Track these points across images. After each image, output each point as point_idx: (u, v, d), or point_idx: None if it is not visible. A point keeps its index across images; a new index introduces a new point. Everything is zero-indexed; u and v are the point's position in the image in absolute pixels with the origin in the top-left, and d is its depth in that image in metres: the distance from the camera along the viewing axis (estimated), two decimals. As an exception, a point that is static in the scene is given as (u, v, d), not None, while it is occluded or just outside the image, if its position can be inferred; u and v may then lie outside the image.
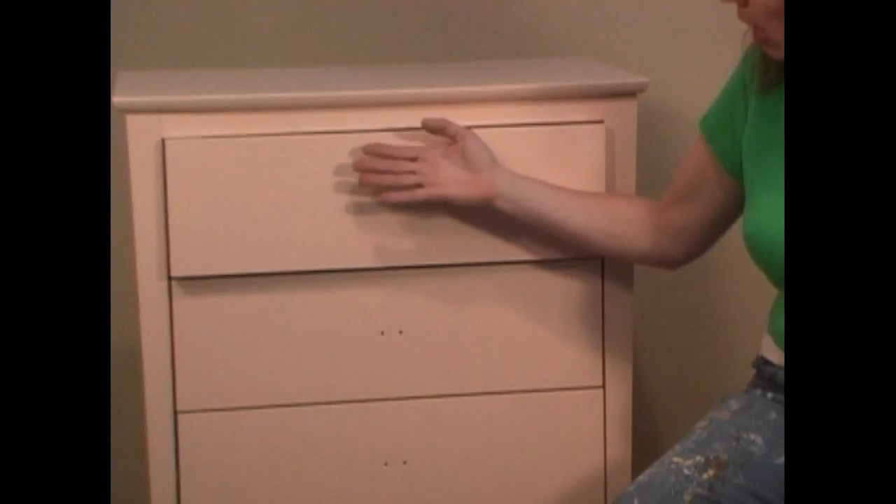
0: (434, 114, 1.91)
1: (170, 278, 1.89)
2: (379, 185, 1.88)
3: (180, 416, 1.93)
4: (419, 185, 1.88)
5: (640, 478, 1.73)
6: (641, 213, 1.92)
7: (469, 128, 1.91)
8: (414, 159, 1.88)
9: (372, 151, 1.88)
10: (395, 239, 1.92)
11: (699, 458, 1.73)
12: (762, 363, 1.85)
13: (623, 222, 1.91)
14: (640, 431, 2.14)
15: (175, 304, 1.90)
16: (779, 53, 1.69)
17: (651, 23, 2.36)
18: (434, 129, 1.89)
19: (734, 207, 1.86)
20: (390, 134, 1.90)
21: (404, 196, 1.88)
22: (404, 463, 1.98)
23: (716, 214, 1.89)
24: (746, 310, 2.43)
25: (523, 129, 1.93)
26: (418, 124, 1.91)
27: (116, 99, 1.86)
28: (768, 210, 1.72)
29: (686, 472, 1.71)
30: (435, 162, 1.89)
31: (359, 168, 1.88)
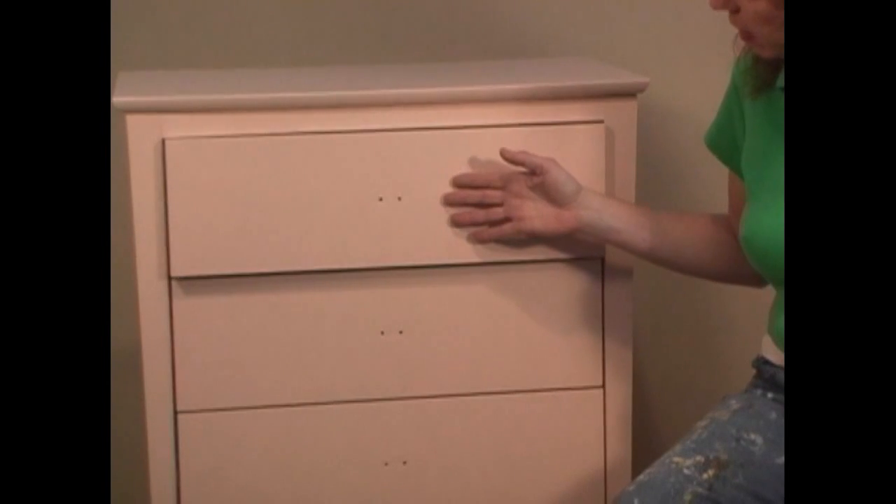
0: (435, 113, 1.91)
1: (170, 278, 1.89)
2: (472, 223, 1.90)
3: (180, 416, 1.93)
4: (507, 219, 1.90)
5: (641, 477, 1.73)
6: (722, 235, 1.91)
7: (469, 128, 1.91)
8: (501, 187, 1.90)
9: (461, 183, 1.90)
10: (396, 239, 1.92)
11: (699, 458, 1.73)
12: (762, 363, 1.85)
13: (705, 247, 1.92)
14: (640, 431, 2.14)
15: (175, 304, 1.90)
16: (768, 52, 1.69)
17: (651, 23, 2.36)
18: (514, 161, 1.89)
19: None
20: (391, 134, 1.91)
21: (494, 233, 1.91)
22: (404, 463, 1.98)
23: None
24: (746, 310, 2.42)
25: (523, 129, 1.93)
26: (418, 124, 1.91)
27: (116, 99, 1.86)
28: (763, 211, 1.72)
29: (686, 471, 1.71)
30: (520, 193, 1.90)
31: (452, 202, 1.90)
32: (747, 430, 1.76)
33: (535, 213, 1.90)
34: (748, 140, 1.79)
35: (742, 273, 1.89)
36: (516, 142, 1.92)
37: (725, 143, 1.86)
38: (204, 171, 1.87)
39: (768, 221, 1.70)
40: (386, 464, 1.98)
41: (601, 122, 1.95)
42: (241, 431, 1.94)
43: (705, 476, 1.71)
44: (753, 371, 1.87)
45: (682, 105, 2.35)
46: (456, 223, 1.91)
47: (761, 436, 1.76)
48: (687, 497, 1.69)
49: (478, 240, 1.92)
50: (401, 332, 1.95)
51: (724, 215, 1.93)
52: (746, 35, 1.70)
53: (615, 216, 1.90)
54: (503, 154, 1.89)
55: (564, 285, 1.98)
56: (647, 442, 2.34)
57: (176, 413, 1.93)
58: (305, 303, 1.92)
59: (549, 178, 1.88)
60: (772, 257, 1.70)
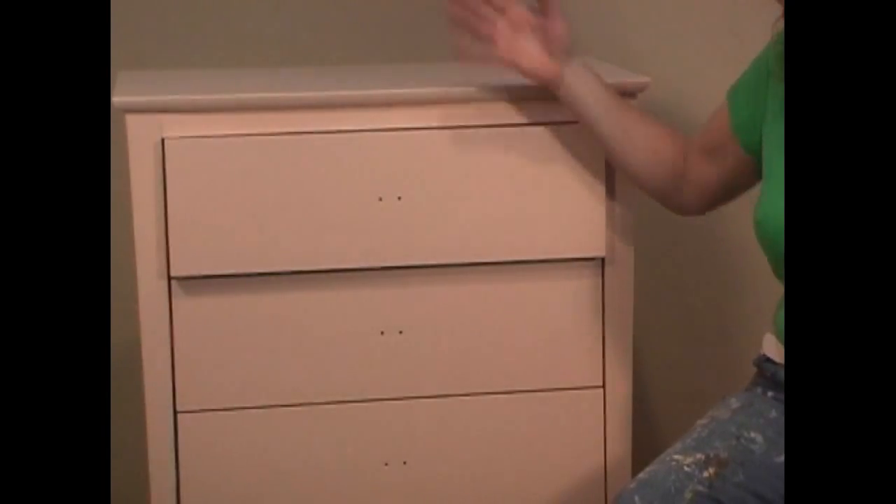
0: (435, 113, 1.91)
1: (170, 278, 1.90)
2: (461, 21, 1.88)
3: (180, 416, 1.93)
4: (495, 44, 1.88)
5: (641, 475, 1.73)
6: (673, 154, 1.93)
7: (469, 127, 1.91)
8: (502, 10, 1.88)
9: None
10: (396, 239, 1.92)
11: (700, 456, 1.73)
12: (763, 361, 1.85)
13: (654, 156, 1.93)
14: (640, 431, 2.14)
15: (175, 304, 1.90)
16: None
17: (651, 23, 2.36)
18: None
19: (744, 178, 1.90)
20: (391, 134, 1.91)
21: (478, 55, 1.89)
22: (404, 463, 1.98)
23: (728, 178, 1.92)
24: (746, 310, 2.43)
25: (524, 129, 1.93)
26: (418, 124, 1.91)
27: (116, 99, 1.86)
28: (779, 198, 1.71)
29: (687, 469, 1.71)
30: (518, 25, 1.88)
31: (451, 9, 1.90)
32: (747, 428, 1.76)
33: (525, 51, 1.88)
34: (770, 122, 1.79)
35: (663, 196, 1.96)
36: (517, 140, 1.92)
37: (744, 111, 1.85)
38: (204, 171, 1.87)
39: (782, 209, 1.68)
40: (386, 464, 1.98)
41: (601, 121, 1.95)
42: (241, 431, 1.94)
43: (706, 474, 1.71)
44: (754, 370, 1.87)
45: (682, 105, 2.35)
46: (450, 20, 1.89)
47: (761, 434, 1.76)
48: (688, 495, 1.69)
49: (461, 57, 1.89)
50: (401, 332, 1.95)
51: (679, 138, 1.95)
52: None
53: (588, 90, 1.89)
54: None
55: (564, 285, 1.98)
56: (647, 441, 2.34)
57: (176, 413, 1.93)
58: (305, 303, 1.92)
59: (554, 25, 1.88)
60: (782, 245, 1.68)
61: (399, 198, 1.91)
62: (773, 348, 1.83)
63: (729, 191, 1.94)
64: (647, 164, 1.93)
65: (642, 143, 1.92)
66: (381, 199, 1.90)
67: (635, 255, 2.00)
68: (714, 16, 2.35)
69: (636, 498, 1.69)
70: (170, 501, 1.95)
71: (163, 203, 1.88)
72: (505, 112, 1.93)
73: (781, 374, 1.80)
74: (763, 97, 1.81)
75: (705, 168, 1.92)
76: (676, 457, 1.74)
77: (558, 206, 1.95)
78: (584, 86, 1.90)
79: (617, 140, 1.91)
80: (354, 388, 1.96)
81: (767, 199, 1.75)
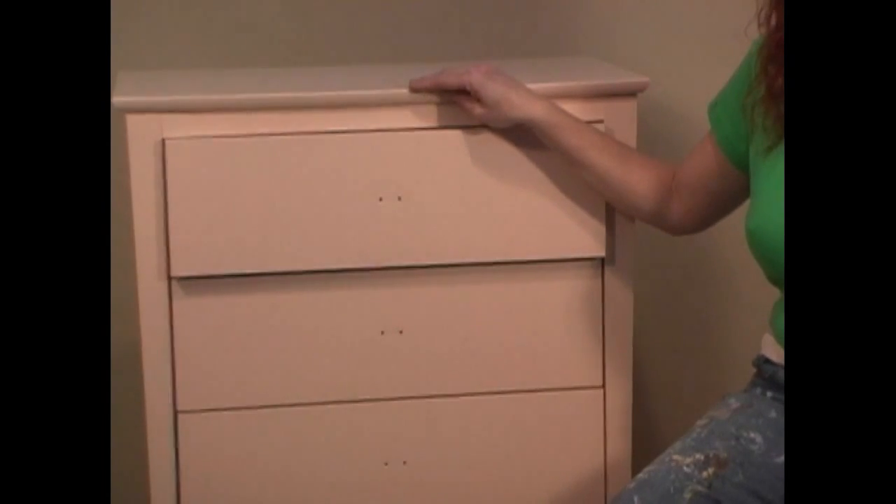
0: (435, 113, 1.91)
1: (170, 278, 1.90)
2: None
3: (180, 416, 1.93)
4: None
5: (640, 475, 1.73)
6: (654, 188, 1.93)
7: (469, 128, 1.92)
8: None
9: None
10: (396, 239, 1.92)
11: (699, 456, 1.73)
12: (762, 362, 1.85)
13: (633, 191, 1.93)
14: (640, 431, 2.14)
15: (175, 304, 1.90)
16: None
17: (651, 23, 2.36)
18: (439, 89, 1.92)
19: (739, 196, 1.89)
20: (391, 134, 1.91)
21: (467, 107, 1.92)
22: (404, 463, 1.98)
23: (722, 202, 1.92)
24: (746, 310, 2.42)
25: (524, 129, 1.93)
26: (418, 124, 1.91)
27: (116, 99, 1.86)
28: (772, 205, 1.72)
29: (686, 469, 1.71)
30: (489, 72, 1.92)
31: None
32: (747, 428, 1.76)
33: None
34: (757, 132, 1.78)
35: (653, 220, 1.97)
36: (517, 141, 1.92)
37: (728, 123, 1.85)
38: (204, 171, 1.87)
39: (777, 216, 1.69)
40: (386, 464, 1.98)
41: (601, 121, 1.95)
42: (241, 431, 1.94)
43: (705, 474, 1.71)
44: (754, 370, 1.87)
45: (682, 105, 2.35)
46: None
47: (761, 434, 1.76)
48: (687, 495, 1.69)
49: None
50: (401, 332, 1.95)
51: (658, 168, 1.95)
52: None
53: (561, 127, 1.90)
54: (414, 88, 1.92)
55: (564, 285, 1.98)
56: (647, 442, 2.34)
57: (176, 413, 1.93)
58: (305, 303, 1.92)
59: (488, 94, 1.89)
60: (778, 252, 1.69)
61: (399, 198, 1.91)
62: (772, 349, 1.83)
63: (725, 209, 1.94)
64: (631, 202, 1.94)
65: (620, 184, 1.93)
66: (381, 199, 1.90)
67: (635, 255, 2.00)
68: (714, 16, 2.35)
69: (636, 498, 1.69)
70: (170, 501, 1.95)
71: (163, 203, 1.88)
72: (505, 112, 1.93)
73: (780, 374, 1.80)
74: (747, 108, 1.80)
75: (692, 202, 1.92)
76: (676, 457, 1.74)
77: (558, 206, 1.95)
78: (554, 128, 1.91)
79: (593, 180, 1.93)
80: (354, 388, 1.96)
81: (759, 209, 1.75)
